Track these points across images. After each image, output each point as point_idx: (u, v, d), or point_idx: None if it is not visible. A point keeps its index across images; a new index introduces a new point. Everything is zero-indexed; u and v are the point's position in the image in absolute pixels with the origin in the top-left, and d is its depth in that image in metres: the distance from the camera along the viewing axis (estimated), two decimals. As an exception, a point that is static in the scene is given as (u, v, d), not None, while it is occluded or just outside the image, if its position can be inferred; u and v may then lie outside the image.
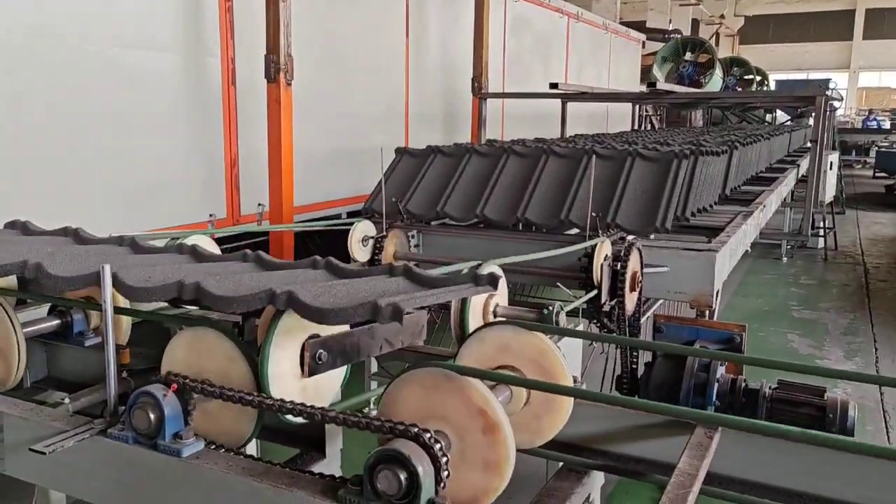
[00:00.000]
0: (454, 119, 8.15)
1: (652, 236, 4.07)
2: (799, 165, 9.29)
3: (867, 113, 29.76)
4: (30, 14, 3.75)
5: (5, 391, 1.96)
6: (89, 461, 1.64)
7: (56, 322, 2.18)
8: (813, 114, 9.07)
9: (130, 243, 2.19)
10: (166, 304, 2.44)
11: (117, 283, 1.67)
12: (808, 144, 9.41)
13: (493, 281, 1.71)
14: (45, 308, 2.29)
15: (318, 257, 1.91)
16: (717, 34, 27.21)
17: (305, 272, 1.84)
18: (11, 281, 2.31)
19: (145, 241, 2.23)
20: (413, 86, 7.16)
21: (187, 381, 1.60)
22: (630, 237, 3.84)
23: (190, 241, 2.74)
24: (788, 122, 15.83)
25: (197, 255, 2.07)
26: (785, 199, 8.60)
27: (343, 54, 6.10)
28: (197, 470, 1.53)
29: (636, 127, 13.63)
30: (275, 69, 4.82)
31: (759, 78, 20.49)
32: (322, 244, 5.61)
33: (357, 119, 6.33)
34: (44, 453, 1.54)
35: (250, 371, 1.68)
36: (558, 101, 9.61)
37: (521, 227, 4.17)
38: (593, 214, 3.65)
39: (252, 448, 1.76)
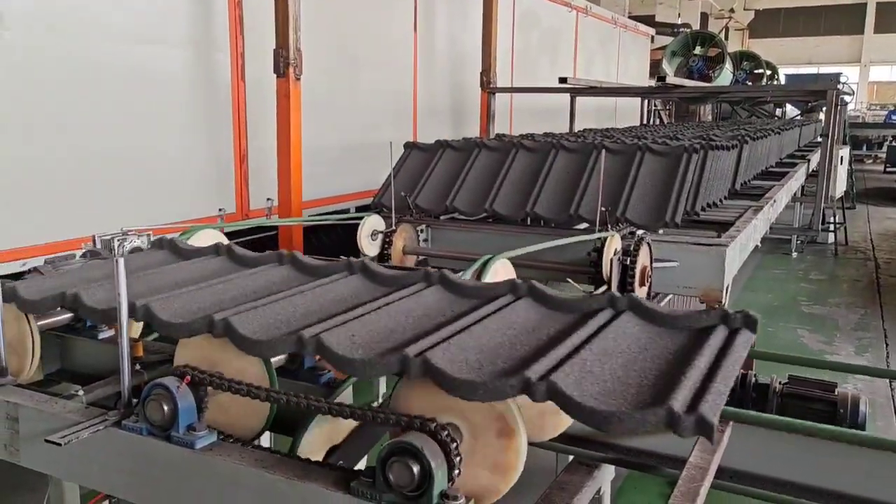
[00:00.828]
0: (462, 114, 8.14)
1: (661, 231, 4.06)
2: (809, 160, 9.23)
3: (880, 107, 29.52)
4: (42, 10, 3.77)
5: (20, 383, 1.98)
6: (103, 452, 1.66)
7: (69, 315, 2.20)
8: (824, 108, 9.01)
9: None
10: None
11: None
12: (819, 139, 9.35)
13: (749, 323, 1.52)
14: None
15: (429, 270, 1.78)
16: (727, 28, 27.04)
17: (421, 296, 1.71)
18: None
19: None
20: (421, 80, 7.15)
21: (200, 373, 1.61)
22: (640, 231, 3.83)
23: (201, 234, 2.76)
24: (798, 117, 15.74)
25: (299, 265, 1.96)
26: (795, 194, 8.55)
27: (351, 49, 6.10)
28: (210, 462, 1.54)
29: (645, 122, 13.59)
30: (284, 64, 4.82)
31: (769, 72, 20.37)
32: (328, 240, 5.63)
33: (366, 114, 6.33)
34: (59, 444, 1.55)
35: (262, 363, 1.69)
36: (567, 96, 9.58)
37: (529, 222, 4.17)
38: (602, 209, 3.64)
39: (265, 440, 1.76)
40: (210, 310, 1.72)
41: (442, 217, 4.33)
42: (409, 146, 4.78)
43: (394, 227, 3.76)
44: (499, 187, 4.23)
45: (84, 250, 2.83)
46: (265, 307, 1.71)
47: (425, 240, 4.18)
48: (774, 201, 5.75)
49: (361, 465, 1.80)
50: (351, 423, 1.74)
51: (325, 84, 5.67)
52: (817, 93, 9.78)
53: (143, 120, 4.35)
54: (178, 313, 1.71)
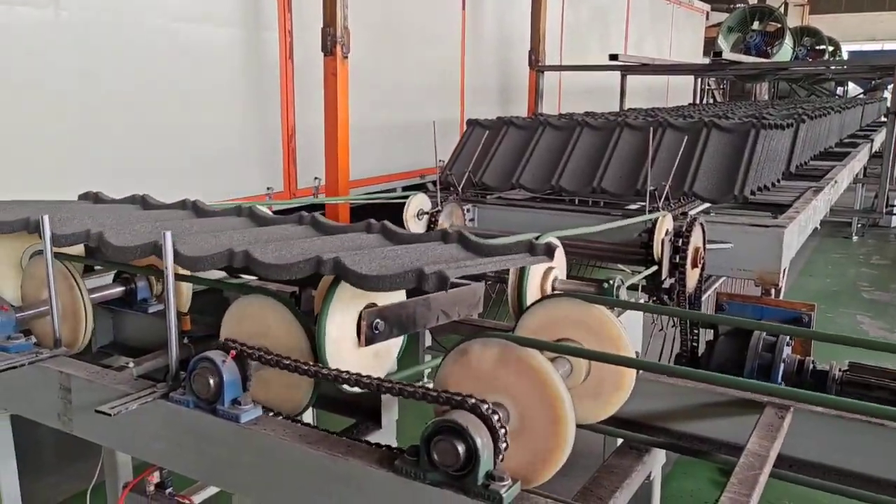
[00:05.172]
0: (510, 92, 8.03)
1: (712, 213, 3.96)
2: (873, 140, 8.84)
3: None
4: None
5: (73, 354, 2.02)
6: (152, 424, 1.68)
7: (121, 289, 2.24)
8: (889, 86, 8.60)
9: (193, 207, 2.22)
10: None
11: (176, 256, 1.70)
12: (883, 119, 8.94)
13: (549, 251, 1.67)
14: (112, 275, 2.35)
15: (372, 221, 1.91)
16: (786, 3, 26.01)
17: (359, 237, 1.83)
18: (80, 248, 2.37)
19: (205, 204, 2.26)
20: (469, 58, 7.07)
21: (246, 347, 1.61)
22: (693, 212, 3.73)
23: (248, 211, 2.77)
24: (861, 96, 15.08)
25: (255, 218, 2.08)
26: (857, 176, 8.22)
27: (399, 26, 6.05)
28: (255, 436, 1.54)
29: (697, 101, 13.20)
30: (331, 42, 4.81)
31: (831, 48, 19.53)
32: (375, 219, 5.63)
33: (413, 92, 6.29)
34: (109, 415, 1.57)
35: (307, 339, 1.68)
36: (617, 75, 9.37)
37: (590, 203, 4.16)
38: (653, 188, 3.55)
39: (308, 416, 1.76)
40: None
41: (496, 195, 4.35)
42: (472, 123, 4.79)
43: (440, 207, 3.72)
44: (564, 164, 4.26)
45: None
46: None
47: (471, 219, 4.14)
48: (835, 182, 5.52)
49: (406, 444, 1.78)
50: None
51: (372, 62, 5.64)
52: (884, 68, 9.34)
53: (193, 99, 4.39)
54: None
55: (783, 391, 1.48)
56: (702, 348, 3.15)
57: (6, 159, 3.53)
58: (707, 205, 4.07)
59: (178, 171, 4.32)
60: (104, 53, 3.89)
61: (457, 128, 6.50)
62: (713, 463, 1.75)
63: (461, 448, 1.28)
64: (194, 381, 1.60)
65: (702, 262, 3.35)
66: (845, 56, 22.33)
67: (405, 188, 5.94)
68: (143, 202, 2.35)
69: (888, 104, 7.74)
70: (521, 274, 2.23)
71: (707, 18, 16.09)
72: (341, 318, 1.62)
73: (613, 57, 8.51)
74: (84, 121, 3.84)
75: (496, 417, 1.31)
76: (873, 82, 15.08)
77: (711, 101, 16.01)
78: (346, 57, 4.89)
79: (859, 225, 10.41)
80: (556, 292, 2.31)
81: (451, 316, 1.83)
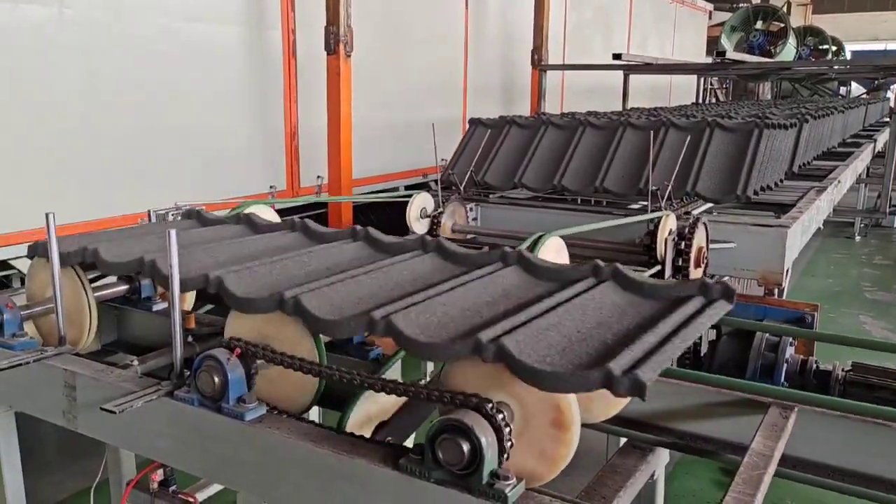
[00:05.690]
0: (513, 91, 8.03)
1: (715, 213, 3.96)
2: (875, 140, 8.83)
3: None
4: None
5: (78, 352, 2.02)
6: (156, 421, 1.68)
7: (125, 287, 2.24)
8: (892, 86, 8.59)
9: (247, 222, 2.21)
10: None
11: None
12: (886, 119, 8.93)
13: (728, 294, 1.51)
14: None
15: (427, 237, 1.87)
16: (789, 3, 25.96)
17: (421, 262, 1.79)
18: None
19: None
20: (471, 57, 7.07)
21: (250, 346, 1.61)
22: (696, 211, 3.73)
23: (251, 209, 2.77)
24: (864, 96, 15.05)
25: (309, 234, 2.05)
26: (860, 176, 8.20)
27: (402, 25, 6.05)
28: (259, 434, 1.55)
29: (700, 100, 13.18)
30: (335, 41, 4.81)
31: (834, 48, 19.51)
32: (377, 219, 5.64)
33: (415, 91, 6.29)
34: (114, 412, 1.57)
35: (309, 336, 1.68)
36: (619, 74, 9.36)
37: (592, 202, 4.15)
38: (654, 188, 3.55)
39: (314, 414, 1.76)
40: (282, 286, 1.69)
41: (499, 194, 4.35)
42: (475, 122, 4.78)
43: (442, 207, 3.72)
44: (567, 163, 4.25)
45: (141, 225, 2.88)
46: (337, 286, 1.69)
47: (474, 218, 4.14)
48: (838, 182, 5.51)
49: (409, 442, 1.79)
50: (398, 400, 1.72)
51: (374, 61, 5.64)
52: (887, 68, 9.33)
53: (196, 97, 4.40)
54: (250, 289, 1.70)
55: (787, 394, 1.48)
56: (705, 348, 3.16)
57: (8, 159, 3.53)
58: (710, 204, 4.06)
59: (181, 170, 4.33)
60: (107, 53, 3.89)
61: (459, 127, 6.50)
62: (717, 463, 1.75)
63: (466, 447, 1.28)
64: (199, 378, 1.60)
65: (705, 261, 3.35)
66: (848, 56, 22.27)
67: (408, 187, 5.95)
68: (249, 223, 2.35)
69: (891, 104, 7.74)
70: (525, 273, 2.22)
71: (710, 18, 16.09)
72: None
73: (617, 56, 8.51)
74: (87, 121, 3.84)
75: (501, 416, 1.31)
76: (876, 82, 15.05)
77: (714, 100, 16.00)
78: (349, 56, 4.90)
79: (862, 225, 10.39)
80: (559, 292, 2.30)
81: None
